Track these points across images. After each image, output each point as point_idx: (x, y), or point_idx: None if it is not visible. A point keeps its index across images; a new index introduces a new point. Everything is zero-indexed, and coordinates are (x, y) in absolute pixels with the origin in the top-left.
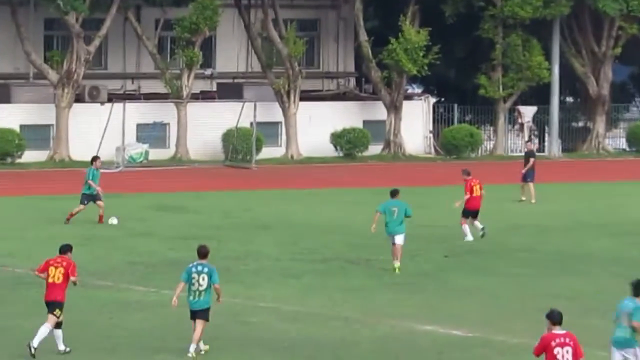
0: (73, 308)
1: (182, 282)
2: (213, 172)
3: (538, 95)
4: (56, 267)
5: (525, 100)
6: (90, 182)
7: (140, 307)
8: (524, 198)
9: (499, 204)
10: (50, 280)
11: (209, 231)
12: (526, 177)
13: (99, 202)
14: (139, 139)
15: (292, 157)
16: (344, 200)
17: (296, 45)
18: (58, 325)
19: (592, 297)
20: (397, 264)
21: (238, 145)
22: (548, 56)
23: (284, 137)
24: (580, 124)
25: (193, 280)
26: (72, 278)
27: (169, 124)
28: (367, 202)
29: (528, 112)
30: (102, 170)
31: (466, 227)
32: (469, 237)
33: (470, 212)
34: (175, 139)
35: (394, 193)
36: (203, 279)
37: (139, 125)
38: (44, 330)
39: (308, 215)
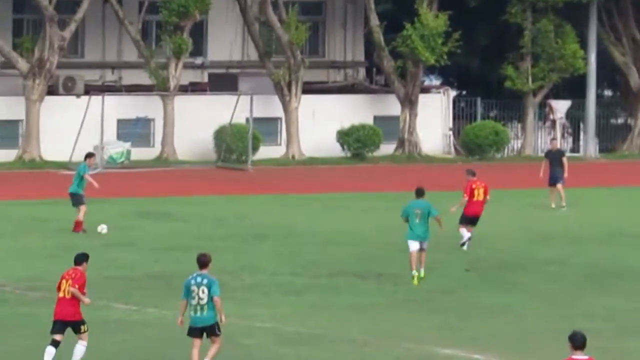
0: (44, 328)
1: (184, 300)
2: (204, 174)
3: (572, 88)
4: (67, 280)
5: (557, 93)
6: (86, 175)
7: (121, 328)
8: (554, 205)
9: (526, 211)
10: (60, 294)
11: (199, 241)
12: (556, 180)
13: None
14: (119, 137)
15: (293, 157)
16: (351, 207)
17: (298, 31)
18: (56, 344)
19: (631, 316)
20: (415, 273)
21: (232, 144)
22: (584, 44)
23: (284, 135)
24: (620, 120)
25: (193, 294)
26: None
27: (153, 119)
28: (377, 208)
29: (561, 107)
30: None
31: (463, 230)
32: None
33: (468, 219)
34: (160, 136)
35: (419, 193)
36: (203, 291)
37: (119, 121)
38: (80, 350)
39: (311, 224)
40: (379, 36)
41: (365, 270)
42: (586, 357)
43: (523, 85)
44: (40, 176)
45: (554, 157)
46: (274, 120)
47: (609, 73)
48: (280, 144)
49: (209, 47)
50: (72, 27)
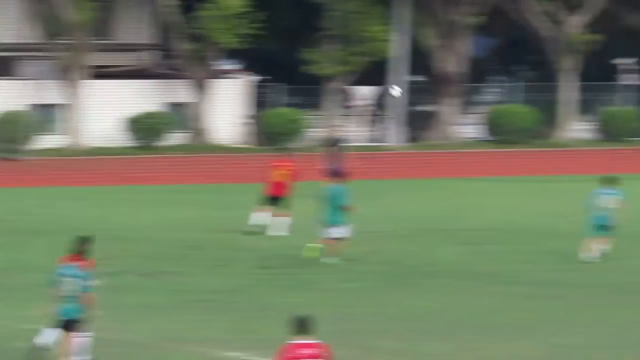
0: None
1: None
2: None
3: (381, 73)
4: None
5: (366, 79)
6: None
7: None
8: None
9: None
10: None
11: None
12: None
13: None
14: None
15: (76, 147)
16: (140, 200)
17: (84, 11)
18: None
19: (427, 317)
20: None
21: (6, 133)
22: (393, 27)
23: (67, 123)
24: (429, 108)
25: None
26: None
27: None
28: (167, 201)
29: (364, 93)
30: None
31: (257, 215)
32: (254, 221)
33: (268, 199)
34: None
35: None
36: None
37: None
38: None
39: (92, 218)
40: (171, 17)
41: (148, 269)
42: (312, 341)
43: (326, 69)
44: None
45: (336, 148)
46: (57, 107)
47: (421, 58)
48: (62, 133)
49: None
50: None
